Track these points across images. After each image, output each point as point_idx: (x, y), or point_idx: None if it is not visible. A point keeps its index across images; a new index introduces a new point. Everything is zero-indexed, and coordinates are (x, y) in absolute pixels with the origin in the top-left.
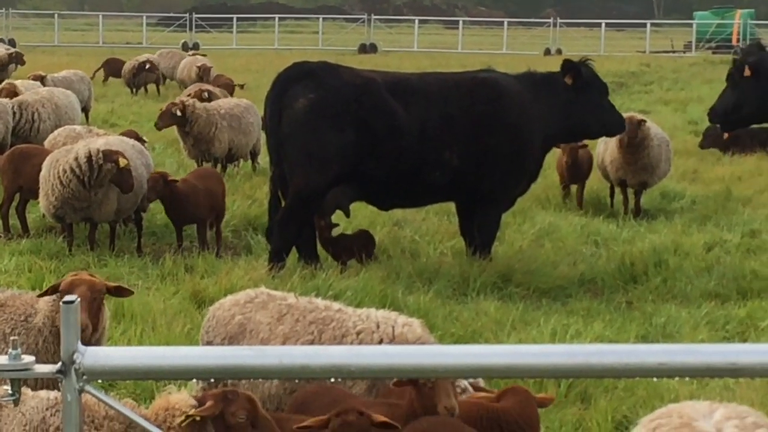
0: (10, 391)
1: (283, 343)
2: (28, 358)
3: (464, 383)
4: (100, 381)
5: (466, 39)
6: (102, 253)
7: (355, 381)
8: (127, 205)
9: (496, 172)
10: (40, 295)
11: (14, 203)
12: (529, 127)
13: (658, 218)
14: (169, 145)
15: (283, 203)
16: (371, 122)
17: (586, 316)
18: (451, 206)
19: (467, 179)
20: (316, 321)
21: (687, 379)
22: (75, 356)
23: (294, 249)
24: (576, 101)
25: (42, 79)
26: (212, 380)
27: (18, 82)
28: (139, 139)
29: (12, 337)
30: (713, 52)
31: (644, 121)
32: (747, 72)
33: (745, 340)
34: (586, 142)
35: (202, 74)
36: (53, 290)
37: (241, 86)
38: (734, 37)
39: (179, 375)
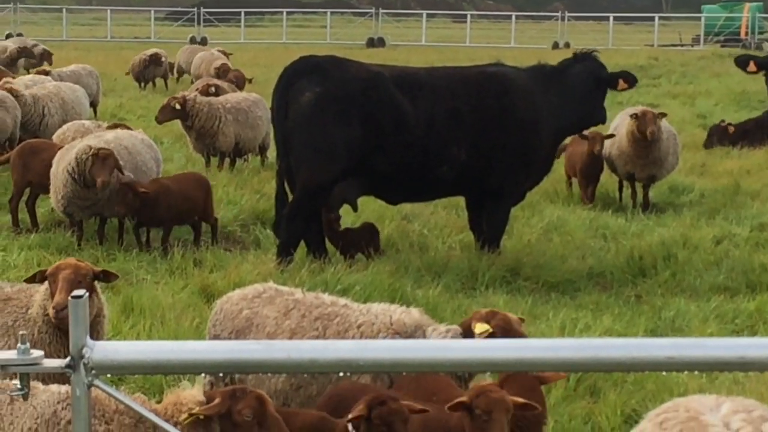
0: (19, 386)
1: (290, 338)
2: (37, 353)
3: None
4: (109, 375)
5: (475, 33)
6: (111, 247)
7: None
8: None
9: (504, 168)
10: (26, 280)
11: (24, 198)
12: (539, 121)
13: (666, 212)
14: (177, 139)
15: (290, 197)
16: (378, 116)
17: (595, 309)
18: (460, 200)
19: (475, 174)
20: (321, 316)
21: (696, 372)
22: (84, 351)
23: (302, 243)
24: (586, 93)
25: (47, 74)
26: (220, 374)
27: (27, 78)
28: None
29: (21, 332)
30: (722, 46)
31: (664, 115)
32: (752, 67)
33: (754, 334)
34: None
35: (220, 74)
36: (41, 276)
37: (249, 80)
38: (743, 31)
39: (187, 369)
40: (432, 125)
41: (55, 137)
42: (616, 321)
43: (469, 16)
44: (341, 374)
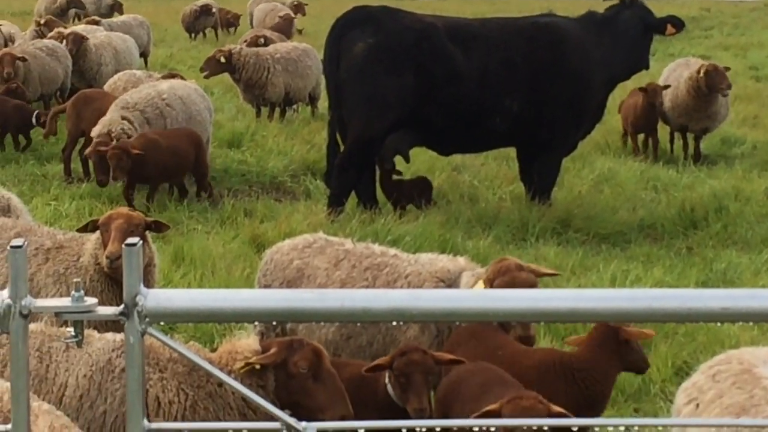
0: (73, 333)
1: (341, 288)
2: (91, 300)
3: None
4: (162, 323)
5: None
6: (161, 197)
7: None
8: None
9: (556, 119)
10: (79, 229)
11: (78, 147)
12: (591, 71)
13: (718, 164)
14: (228, 90)
15: (341, 148)
16: (430, 67)
17: (645, 261)
18: (511, 151)
19: (527, 125)
20: (371, 267)
21: (749, 324)
22: (137, 298)
23: (353, 193)
24: (635, 39)
25: (97, 24)
26: (273, 323)
27: (79, 27)
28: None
29: (75, 279)
30: None
31: (728, 68)
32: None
33: None
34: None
35: (284, 25)
36: (93, 225)
37: (300, 31)
38: None
39: (241, 317)
40: (484, 76)
41: (107, 87)
42: (667, 273)
43: None
44: (393, 323)
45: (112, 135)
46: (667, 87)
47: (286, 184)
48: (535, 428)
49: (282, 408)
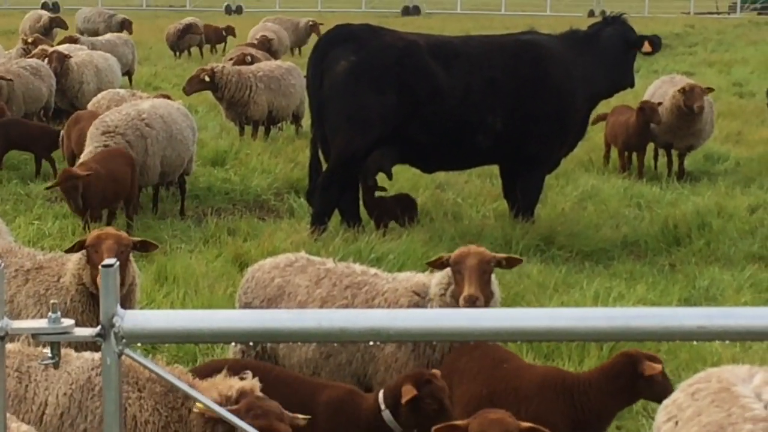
0: (50, 355)
1: (320, 307)
2: (68, 322)
3: None
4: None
5: (510, 1)
6: (145, 216)
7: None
8: (171, 169)
9: (539, 135)
10: (67, 251)
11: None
12: (573, 88)
13: (701, 180)
14: (212, 108)
15: (324, 166)
16: (413, 85)
17: (629, 278)
18: (494, 168)
19: (510, 142)
20: (351, 285)
21: (729, 342)
22: (114, 320)
23: (337, 212)
24: (617, 56)
25: (76, 41)
26: (251, 343)
27: (62, 47)
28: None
29: (52, 301)
30: (758, 13)
31: (711, 89)
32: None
33: None
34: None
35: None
36: (80, 246)
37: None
38: None
39: (218, 338)
40: (467, 94)
41: (90, 105)
42: (650, 290)
43: None
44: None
45: None
46: (660, 104)
47: (269, 203)
48: None
49: None
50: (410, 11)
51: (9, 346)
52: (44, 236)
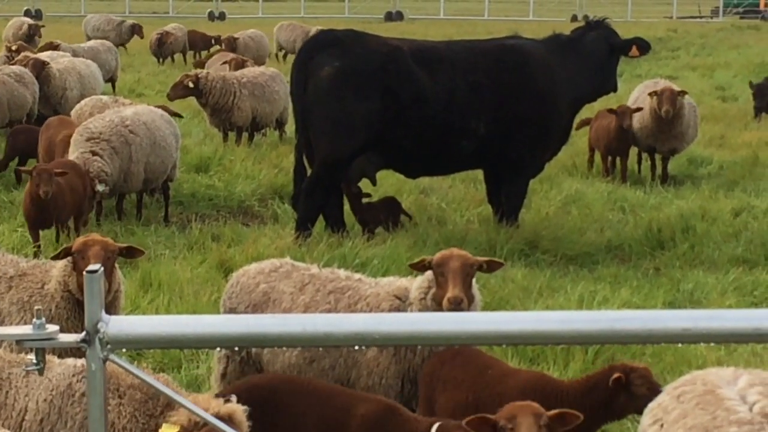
0: (34, 361)
1: (304, 312)
2: (52, 328)
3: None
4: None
5: (493, 6)
6: (129, 222)
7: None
8: (154, 176)
9: (523, 140)
10: (53, 257)
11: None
12: (556, 92)
13: (685, 184)
14: (195, 114)
15: (308, 171)
16: (397, 90)
17: (613, 282)
18: (478, 173)
19: (494, 147)
20: (335, 290)
21: (714, 344)
22: (99, 325)
23: (321, 217)
24: (601, 60)
25: (57, 47)
26: (235, 348)
27: (45, 54)
28: (172, 113)
29: (36, 307)
30: (741, 17)
31: (684, 93)
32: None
33: None
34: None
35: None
36: (66, 252)
37: (278, 55)
38: (762, 2)
39: (203, 343)
40: (451, 99)
41: (74, 113)
42: (634, 294)
43: None
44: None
45: (91, 175)
46: (639, 109)
47: (253, 209)
48: None
49: None
50: (393, 17)
51: None
52: (28, 243)
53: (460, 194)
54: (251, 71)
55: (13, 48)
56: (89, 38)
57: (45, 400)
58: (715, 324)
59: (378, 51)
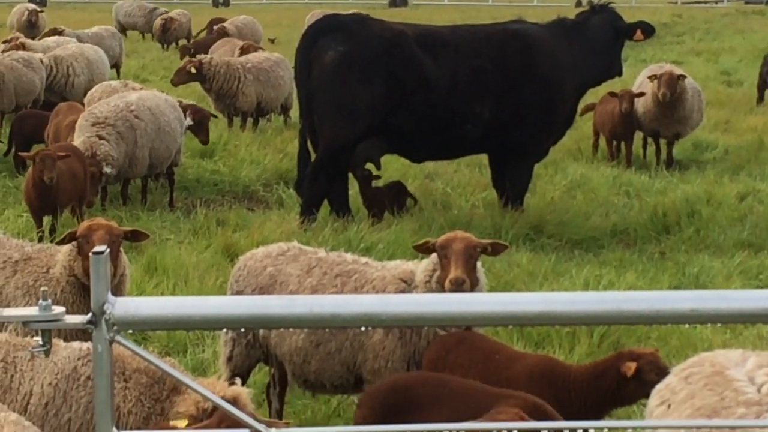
0: (41, 342)
1: (311, 294)
2: (58, 309)
3: None
4: (133, 333)
5: None
6: (134, 207)
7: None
8: (159, 161)
9: (528, 124)
10: (58, 242)
11: None
12: (561, 77)
13: (690, 169)
14: (200, 100)
15: (313, 156)
16: (401, 75)
17: (618, 266)
18: (483, 158)
19: (499, 131)
20: (341, 274)
21: (720, 327)
22: (105, 307)
23: (326, 201)
24: (605, 45)
25: (61, 33)
26: (242, 330)
27: (51, 39)
28: (209, 115)
29: (42, 288)
30: (746, 2)
31: (684, 77)
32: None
33: None
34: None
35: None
36: (71, 237)
37: (272, 40)
38: None
39: (209, 325)
40: (455, 83)
41: (86, 100)
42: (639, 278)
43: None
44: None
45: (98, 158)
46: (641, 94)
47: (258, 194)
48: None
49: None
50: (397, 2)
51: None
52: (33, 228)
53: (465, 179)
54: (256, 56)
55: (20, 41)
56: (121, 25)
57: (50, 383)
58: (723, 304)
59: (382, 36)
